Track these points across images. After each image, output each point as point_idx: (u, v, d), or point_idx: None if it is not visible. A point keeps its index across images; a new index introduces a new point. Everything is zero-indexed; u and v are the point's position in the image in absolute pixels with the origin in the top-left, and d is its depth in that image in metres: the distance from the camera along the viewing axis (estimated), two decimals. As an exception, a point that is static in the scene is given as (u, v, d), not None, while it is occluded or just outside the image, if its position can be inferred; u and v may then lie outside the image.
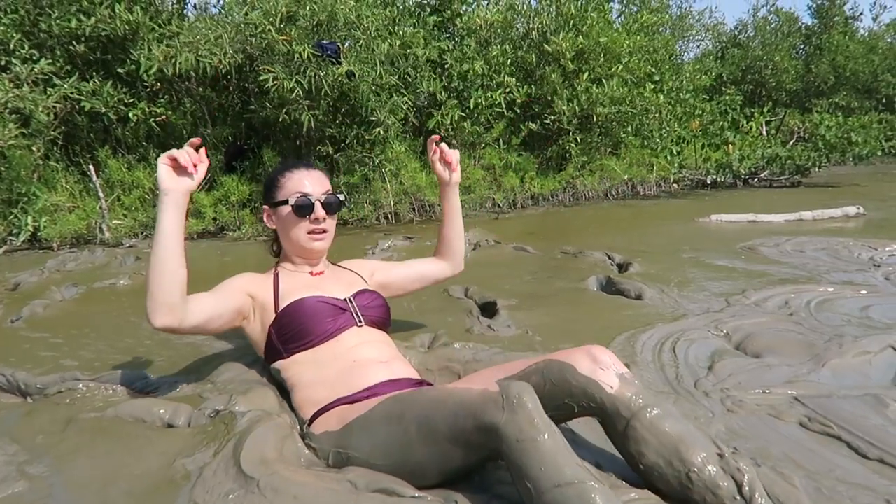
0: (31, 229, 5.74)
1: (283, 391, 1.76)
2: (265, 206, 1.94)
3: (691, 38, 18.86)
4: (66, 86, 6.04)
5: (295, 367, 1.71)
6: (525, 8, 8.93)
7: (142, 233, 6.30)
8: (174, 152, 1.53)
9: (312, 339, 1.71)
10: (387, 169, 7.01)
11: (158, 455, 1.45)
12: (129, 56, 6.20)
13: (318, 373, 1.66)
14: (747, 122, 11.77)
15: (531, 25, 8.83)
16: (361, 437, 1.38)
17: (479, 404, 1.18)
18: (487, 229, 5.67)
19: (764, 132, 12.26)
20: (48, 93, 5.98)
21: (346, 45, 6.31)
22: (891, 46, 18.54)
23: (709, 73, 12.44)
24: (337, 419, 1.48)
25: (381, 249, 4.87)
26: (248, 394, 1.70)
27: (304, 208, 1.83)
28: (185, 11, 7.30)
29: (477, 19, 8.27)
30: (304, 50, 5.80)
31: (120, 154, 6.73)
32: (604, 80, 8.58)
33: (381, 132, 6.55)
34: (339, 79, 6.01)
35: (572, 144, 8.80)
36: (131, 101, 6.40)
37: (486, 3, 8.65)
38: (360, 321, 1.80)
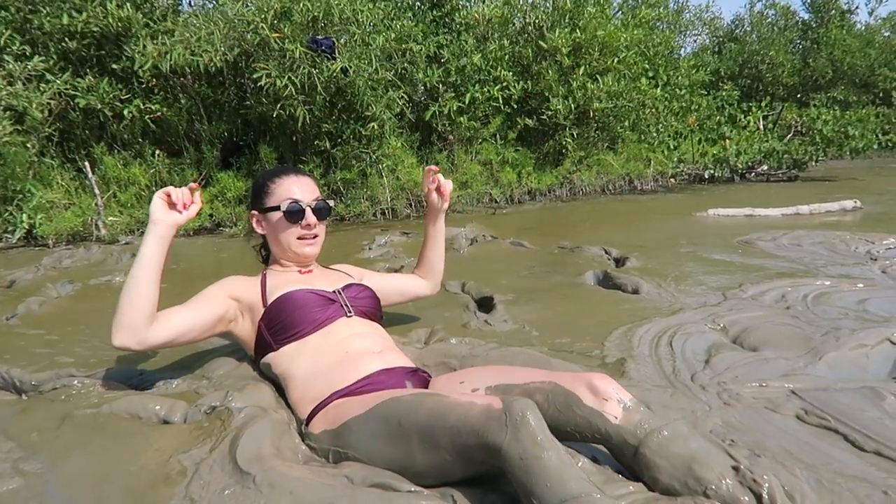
0: (27, 227, 5.72)
1: (279, 387, 1.76)
2: (254, 212, 1.95)
3: (688, 32, 18.84)
4: (58, 82, 6.00)
5: (286, 360, 1.71)
6: (522, 3, 8.91)
7: (138, 229, 6.28)
8: (171, 189, 1.65)
9: (302, 329, 1.72)
10: (383, 164, 6.99)
11: (154, 451, 1.45)
12: (123, 52, 6.17)
13: (311, 365, 1.66)
14: (744, 117, 11.77)
15: (528, 20, 8.81)
16: (360, 439, 1.38)
17: (483, 422, 1.17)
18: (484, 224, 5.67)
19: (761, 127, 12.27)
20: (42, 89, 5.95)
21: (342, 40, 6.29)
22: (887, 40, 18.52)
23: (706, 68, 12.43)
24: (334, 416, 1.48)
25: (378, 245, 4.85)
26: (244, 390, 1.70)
27: (295, 214, 1.85)
28: (179, 7, 7.26)
29: (475, 14, 8.25)
30: (296, 48, 5.77)
31: (115, 151, 6.70)
32: (598, 76, 8.56)
33: (377, 127, 6.53)
34: (334, 75, 5.99)
35: (569, 140, 8.79)
36: (126, 97, 6.37)
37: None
38: (349, 311, 1.81)
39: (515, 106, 8.50)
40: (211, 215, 6.53)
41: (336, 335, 1.72)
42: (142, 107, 6.38)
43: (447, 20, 8.40)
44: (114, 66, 6.31)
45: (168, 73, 6.26)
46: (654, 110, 9.62)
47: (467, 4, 8.51)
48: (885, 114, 12.63)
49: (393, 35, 6.82)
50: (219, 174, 6.71)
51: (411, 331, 2.40)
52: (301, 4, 5.93)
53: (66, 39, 6.24)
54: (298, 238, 1.89)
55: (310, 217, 1.88)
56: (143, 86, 6.48)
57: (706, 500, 1.17)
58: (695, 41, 20.88)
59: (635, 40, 9.27)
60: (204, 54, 5.76)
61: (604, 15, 8.99)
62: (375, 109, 6.39)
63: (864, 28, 19.64)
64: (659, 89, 9.40)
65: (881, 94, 17.94)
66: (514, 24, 9.02)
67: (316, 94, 6.08)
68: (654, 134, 10.11)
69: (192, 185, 1.73)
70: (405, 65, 7.21)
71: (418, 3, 8.42)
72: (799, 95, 17.97)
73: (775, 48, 17.67)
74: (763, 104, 12.45)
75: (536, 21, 8.65)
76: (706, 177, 10.81)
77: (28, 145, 6.05)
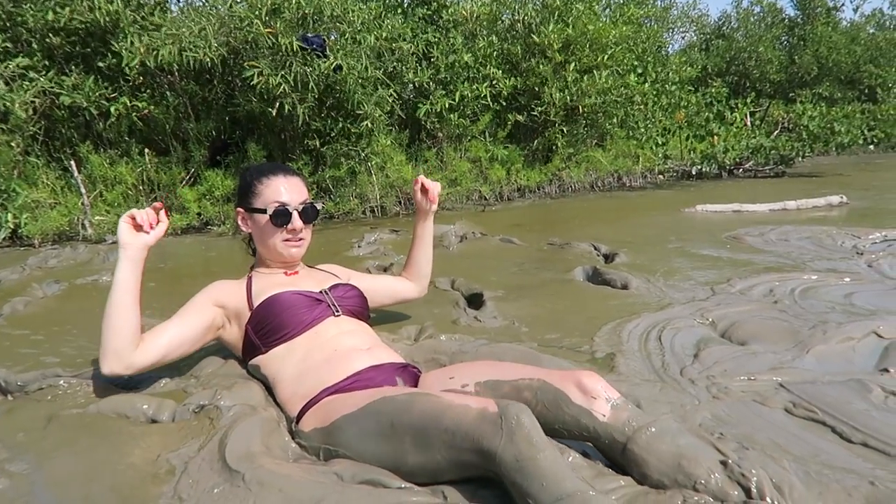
0: (12, 226, 5.65)
1: (268, 386, 1.75)
2: (240, 209, 1.93)
3: (676, 29, 18.94)
4: (42, 80, 5.93)
5: (275, 362, 1.70)
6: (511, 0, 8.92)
7: (125, 229, 6.23)
8: (134, 212, 1.66)
9: (290, 331, 1.71)
10: (373, 162, 6.98)
11: (142, 450, 1.43)
12: (110, 49, 6.10)
13: (300, 365, 1.65)
14: (732, 113, 11.85)
15: (517, 17, 8.81)
16: (351, 437, 1.37)
17: (477, 426, 1.17)
18: (474, 221, 5.66)
19: (748, 123, 12.34)
20: (25, 87, 5.88)
21: (332, 38, 6.26)
22: (872, 37, 18.69)
23: (694, 65, 12.49)
24: (324, 413, 1.47)
25: (368, 243, 4.84)
26: (232, 388, 1.69)
27: (281, 218, 1.84)
28: (168, 3, 7.19)
29: (463, 12, 8.24)
30: (290, 42, 5.74)
31: (102, 149, 6.63)
32: (590, 70, 8.58)
33: (368, 125, 6.52)
34: (326, 72, 5.96)
35: (558, 136, 8.81)
36: (113, 95, 6.31)
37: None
38: (337, 311, 1.81)
39: (504, 103, 8.50)
40: (199, 214, 6.49)
41: (324, 334, 1.71)
42: (128, 104, 6.31)
43: (435, 18, 8.39)
44: (100, 63, 6.25)
45: (155, 71, 6.21)
46: (642, 106, 9.66)
47: (455, 2, 8.49)
48: (870, 110, 12.73)
49: (384, 34, 6.81)
50: (206, 172, 6.66)
51: (401, 328, 2.39)
52: (292, 1, 5.90)
53: (51, 35, 6.16)
54: (284, 240, 1.88)
55: (296, 221, 1.86)
56: (130, 83, 6.42)
57: (695, 494, 1.18)
58: (682, 38, 21.00)
59: (624, 37, 9.30)
60: (198, 50, 5.71)
61: (592, 12, 9.00)
62: (366, 107, 6.38)
63: (849, 25, 19.82)
64: (648, 85, 9.44)
65: (866, 91, 18.12)
66: (503, 21, 9.02)
67: (308, 92, 6.05)
68: (643, 130, 10.15)
69: (156, 204, 1.74)
70: (394, 63, 7.19)
71: (406, 1, 8.40)
72: (785, 92, 18.12)
73: (763, 45, 17.80)
74: (750, 101, 12.54)
75: (526, 18, 8.65)
76: (694, 173, 10.87)
77: (12, 144, 5.97)
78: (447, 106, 7.65)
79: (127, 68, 5.87)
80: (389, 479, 1.25)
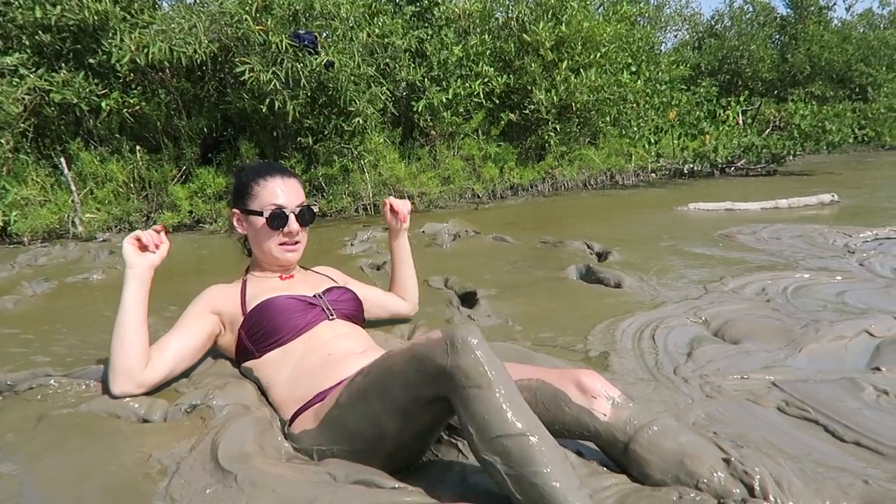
0: (1, 224, 5.61)
1: (262, 388, 1.74)
2: (235, 210, 1.91)
3: (668, 28, 19.00)
4: (31, 76, 5.88)
5: (269, 367, 1.69)
6: (504, -2, 8.93)
7: (115, 227, 6.19)
8: (139, 233, 1.68)
9: (283, 336, 1.70)
10: (366, 160, 6.96)
11: (133, 450, 1.42)
12: (100, 46, 6.06)
13: (295, 369, 1.63)
14: (724, 112, 11.90)
15: (510, 15, 8.81)
16: (337, 429, 1.36)
17: (425, 352, 1.16)
18: (467, 220, 5.66)
19: (740, 122, 12.39)
20: (15, 84, 5.83)
21: (324, 35, 6.23)
22: (864, 36, 18.80)
23: (686, 63, 12.53)
24: (314, 416, 1.46)
25: (360, 241, 4.82)
26: (225, 388, 1.68)
27: (278, 221, 1.82)
28: (158, 1, 7.14)
29: (455, 9, 8.23)
30: (280, 40, 5.71)
31: (92, 146, 6.58)
32: (582, 69, 8.59)
33: (361, 122, 6.50)
34: (318, 69, 5.94)
35: (551, 134, 8.81)
36: (104, 91, 6.26)
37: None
38: (331, 315, 1.79)
39: (498, 101, 8.50)
40: (191, 212, 6.45)
41: (319, 338, 1.70)
42: (119, 101, 6.27)
43: (427, 15, 8.37)
44: (90, 60, 6.20)
45: (146, 68, 6.16)
46: (634, 105, 9.68)
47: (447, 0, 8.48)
48: (861, 109, 12.82)
49: (376, 31, 6.79)
50: (198, 170, 6.63)
51: (394, 327, 2.38)
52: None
53: (41, 33, 6.11)
54: (280, 244, 1.86)
55: (293, 224, 1.84)
56: (121, 80, 6.37)
57: (692, 491, 1.18)
58: (675, 37, 21.06)
59: (617, 35, 9.31)
60: (189, 47, 5.67)
61: (586, 10, 9.01)
62: (359, 104, 6.36)
63: (841, 24, 19.93)
64: (640, 82, 9.45)
65: (857, 90, 18.23)
66: (496, 19, 9.02)
67: (299, 89, 6.02)
68: (635, 129, 10.18)
69: (157, 226, 1.77)
70: (387, 60, 7.17)
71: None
72: (777, 91, 18.20)
73: (755, 43, 17.87)
74: (742, 99, 12.59)
75: (519, 15, 8.65)
76: (686, 171, 10.90)
77: (2, 141, 5.92)
78: (443, 101, 7.64)
79: (118, 65, 5.83)
80: (383, 479, 1.24)
